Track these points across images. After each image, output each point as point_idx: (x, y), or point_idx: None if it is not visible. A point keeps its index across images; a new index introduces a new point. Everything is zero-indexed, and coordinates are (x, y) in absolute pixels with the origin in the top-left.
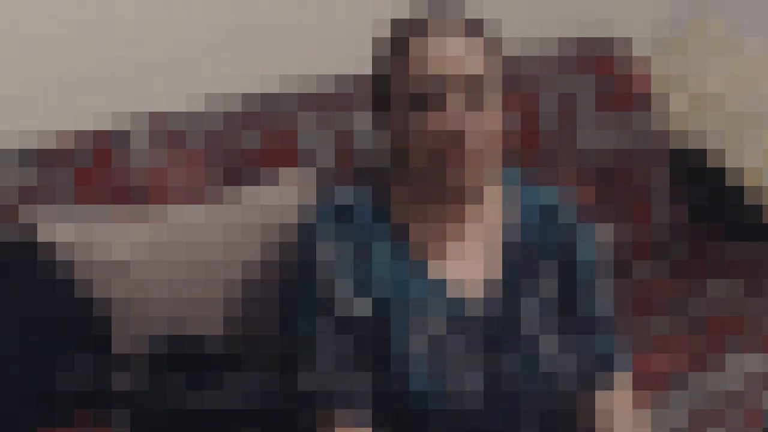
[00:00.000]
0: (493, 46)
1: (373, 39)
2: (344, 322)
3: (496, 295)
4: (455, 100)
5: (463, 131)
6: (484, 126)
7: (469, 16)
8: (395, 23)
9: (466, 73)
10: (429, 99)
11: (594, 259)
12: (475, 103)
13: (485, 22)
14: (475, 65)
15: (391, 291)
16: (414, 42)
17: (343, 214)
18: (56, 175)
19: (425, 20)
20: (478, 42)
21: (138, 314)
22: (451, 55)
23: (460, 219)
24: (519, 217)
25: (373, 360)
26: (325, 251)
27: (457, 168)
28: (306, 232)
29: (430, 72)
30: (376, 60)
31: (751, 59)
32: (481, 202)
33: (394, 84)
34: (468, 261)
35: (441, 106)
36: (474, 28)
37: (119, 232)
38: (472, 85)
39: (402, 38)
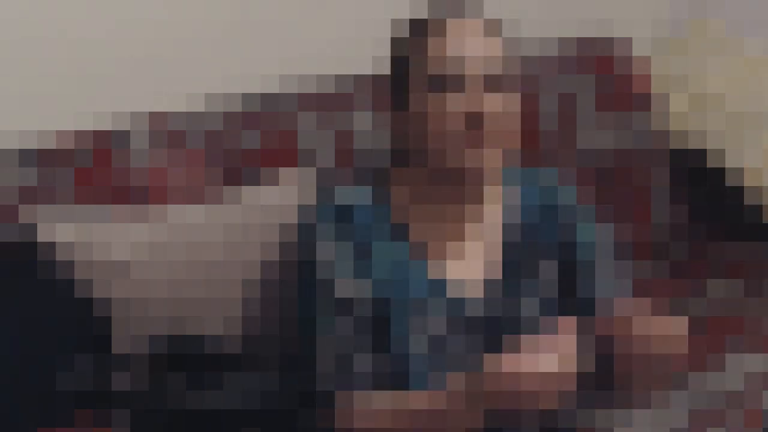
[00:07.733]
0: (512, 45)
1: (373, 39)
2: (344, 322)
3: (496, 295)
4: (475, 83)
5: (482, 113)
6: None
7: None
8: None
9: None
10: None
11: (594, 259)
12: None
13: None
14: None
15: (391, 291)
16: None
17: (343, 214)
18: (56, 175)
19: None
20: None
21: (138, 314)
22: (475, 55)
23: (460, 219)
24: (519, 217)
25: (373, 359)
26: (325, 251)
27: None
28: (306, 232)
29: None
30: (394, 40)
31: (751, 59)
32: (481, 202)
33: (421, 66)
34: (468, 261)
35: (461, 88)
36: (493, 28)
37: (119, 232)
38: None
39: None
